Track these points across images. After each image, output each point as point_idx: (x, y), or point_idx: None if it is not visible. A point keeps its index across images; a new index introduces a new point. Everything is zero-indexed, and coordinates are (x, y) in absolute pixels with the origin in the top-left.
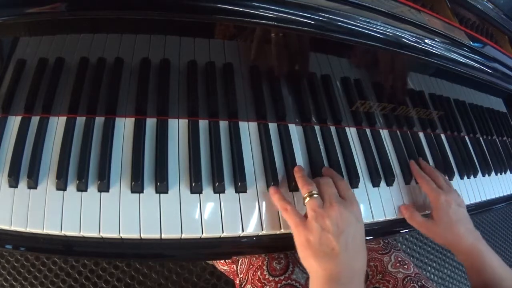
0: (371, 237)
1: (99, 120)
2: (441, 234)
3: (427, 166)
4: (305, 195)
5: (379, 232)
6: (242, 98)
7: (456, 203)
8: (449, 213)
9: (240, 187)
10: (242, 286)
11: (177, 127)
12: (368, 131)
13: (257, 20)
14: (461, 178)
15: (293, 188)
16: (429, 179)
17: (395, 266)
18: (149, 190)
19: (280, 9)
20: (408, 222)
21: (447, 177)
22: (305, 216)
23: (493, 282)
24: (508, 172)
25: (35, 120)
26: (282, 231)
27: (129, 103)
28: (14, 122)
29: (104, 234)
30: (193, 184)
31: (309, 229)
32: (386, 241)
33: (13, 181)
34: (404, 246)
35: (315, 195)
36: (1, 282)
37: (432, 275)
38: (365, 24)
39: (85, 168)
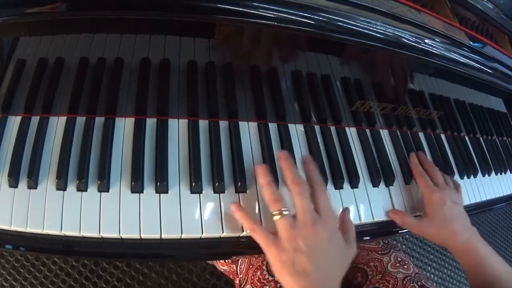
0: (372, 237)
1: (99, 120)
2: (435, 232)
3: (426, 160)
4: (275, 212)
5: (379, 232)
6: (242, 98)
7: (452, 200)
8: (443, 210)
9: (240, 187)
10: (242, 286)
11: (177, 127)
12: (368, 131)
13: (257, 20)
14: (461, 178)
15: None
16: (425, 175)
17: (395, 266)
18: (149, 190)
19: (280, 9)
20: (401, 226)
21: (448, 177)
22: (275, 233)
23: (492, 280)
24: (508, 172)
25: (35, 120)
26: None
27: (129, 103)
28: (14, 122)
29: (104, 234)
30: (193, 184)
31: (281, 249)
32: (386, 241)
33: (13, 181)
34: (404, 246)
35: (285, 213)
36: (1, 282)
37: (432, 275)
38: (365, 24)
39: (85, 168)
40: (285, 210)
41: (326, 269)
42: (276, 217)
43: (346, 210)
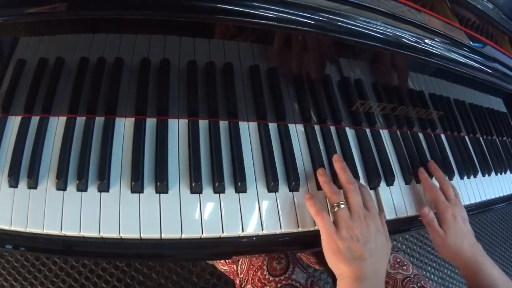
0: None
1: (99, 120)
2: (445, 246)
3: (438, 173)
4: (334, 205)
5: None
6: (242, 98)
7: (461, 217)
8: (455, 227)
9: (240, 187)
10: (242, 286)
11: (177, 127)
12: (368, 131)
13: (257, 20)
14: (461, 178)
15: (293, 188)
16: (438, 190)
17: (394, 267)
18: (149, 190)
19: (280, 9)
20: (425, 225)
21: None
22: (334, 222)
23: None
24: (508, 172)
25: (35, 120)
26: (283, 231)
27: (129, 103)
28: (14, 122)
29: (104, 234)
30: (193, 184)
31: (341, 238)
32: None
33: (13, 181)
34: (404, 246)
35: (342, 206)
36: (1, 282)
37: (432, 275)
38: (365, 24)
39: (85, 168)
40: (342, 203)
41: (377, 256)
42: (335, 209)
43: (382, 213)
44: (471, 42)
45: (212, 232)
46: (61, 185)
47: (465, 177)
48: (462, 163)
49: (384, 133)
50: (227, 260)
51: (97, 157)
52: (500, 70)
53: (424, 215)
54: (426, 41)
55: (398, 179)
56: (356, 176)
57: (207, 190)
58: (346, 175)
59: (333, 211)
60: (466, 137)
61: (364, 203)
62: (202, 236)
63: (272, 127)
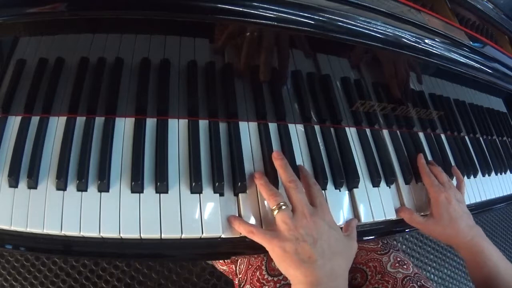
0: (372, 237)
1: (99, 120)
2: (441, 231)
3: (431, 161)
4: (274, 207)
5: (379, 232)
6: (242, 98)
7: (456, 199)
8: (449, 210)
9: (240, 187)
10: (241, 286)
11: (177, 127)
12: (368, 131)
13: (257, 20)
14: None
15: None
16: (431, 175)
17: (394, 266)
18: (149, 190)
19: (280, 9)
20: (408, 223)
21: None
22: (274, 229)
23: (493, 276)
24: (508, 172)
25: (35, 120)
26: None
27: (129, 103)
28: (14, 122)
29: (104, 234)
30: (193, 184)
31: (284, 240)
32: (385, 242)
33: (13, 181)
34: (404, 246)
35: (283, 207)
36: (1, 282)
37: (432, 275)
38: (365, 24)
39: (85, 168)
40: (283, 205)
41: (330, 257)
42: (276, 211)
43: (353, 219)
44: (471, 42)
45: (212, 232)
46: (61, 185)
47: (465, 177)
48: (462, 163)
49: (384, 133)
50: (226, 261)
51: (97, 157)
52: (500, 70)
53: (401, 213)
54: (426, 41)
55: (398, 179)
56: (356, 176)
57: (207, 190)
58: (286, 173)
59: (274, 214)
60: (466, 137)
61: (312, 200)
62: (202, 236)
63: (272, 127)
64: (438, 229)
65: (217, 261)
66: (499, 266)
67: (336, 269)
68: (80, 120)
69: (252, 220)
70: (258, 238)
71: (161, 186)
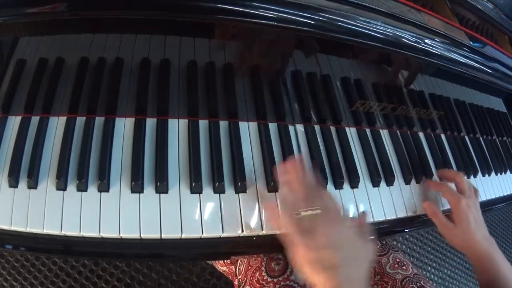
0: (372, 237)
1: (99, 120)
2: (458, 237)
3: (451, 170)
4: (303, 211)
5: (379, 232)
6: (242, 98)
7: (475, 208)
8: (469, 218)
9: (240, 187)
10: (241, 287)
11: (177, 127)
12: (368, 131)
13: (257, 20)
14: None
15: None
16: (447, 185)
17: (393, 267)
18: (149, 190)
19: (280, 9)
20: (430, 217)
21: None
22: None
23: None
24: (508, 172)
25: (35, 120)
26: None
27: (129, 103)
28: (14, 122)
29: (104, 234)
30: (193, 184)
31: (312, 248)
32: (384, 242)
33: (13, 181)
34: (404, 246)
35: (317, 211)
36: (1, 282)
37: (432, 275)
38: (365, 24)
39: (85, 168)
40: (317, 208)
41: (350, 264)
42: (302, 214)
43: (363, 214)
44: (471, 42)
45: (212, 232)
46: (61, 185)
47: (465, 177)
48: (462, 163)
49: (384, 133)
50: (225, 261)
51: (97, 157)
52: (500, 70)
53: (427, 207)
54: (426, 41)
55: (398, 179)
56: (356, 176)
57: (207, 190)
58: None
59: (300, 216)
60: (466, 137)
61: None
62: (202, 236)
63: (272, 127)
64: (456, 234)
65: (217, 261)
66: (510, 279)
67: (354, 277)
68: (80, 120)
69: (252, 221)
70: (295, 239)
71: (161, 186)
